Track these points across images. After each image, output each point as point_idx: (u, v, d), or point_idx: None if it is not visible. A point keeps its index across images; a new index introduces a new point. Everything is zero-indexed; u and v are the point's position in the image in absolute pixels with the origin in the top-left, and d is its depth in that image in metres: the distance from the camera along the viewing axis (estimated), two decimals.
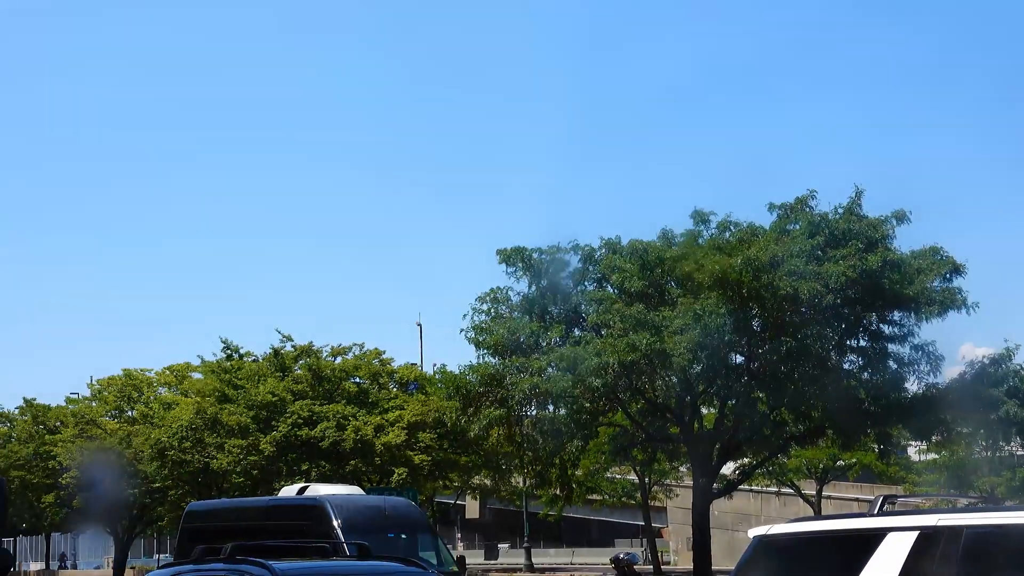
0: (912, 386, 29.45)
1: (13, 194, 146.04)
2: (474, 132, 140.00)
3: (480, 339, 29.79)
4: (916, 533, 8.42)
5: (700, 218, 29.94)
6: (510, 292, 30.89)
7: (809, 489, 53.81)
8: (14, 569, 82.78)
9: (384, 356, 43.70)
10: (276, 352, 43.07)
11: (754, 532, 9.64)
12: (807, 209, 28.80)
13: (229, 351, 45.07)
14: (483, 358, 30.21)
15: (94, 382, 53.84)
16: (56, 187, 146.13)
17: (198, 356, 46.95)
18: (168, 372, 51.08)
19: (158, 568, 12.79)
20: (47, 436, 51.34)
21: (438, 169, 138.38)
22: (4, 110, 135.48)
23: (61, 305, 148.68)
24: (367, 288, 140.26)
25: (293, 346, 43.04)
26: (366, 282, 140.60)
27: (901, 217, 27.90)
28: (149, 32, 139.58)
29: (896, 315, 28.57)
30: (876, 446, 34.20)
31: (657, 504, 59.24)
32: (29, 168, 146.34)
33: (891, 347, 28.93)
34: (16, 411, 54.99)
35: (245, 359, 44.64)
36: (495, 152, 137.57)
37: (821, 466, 51.42)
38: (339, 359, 42.93)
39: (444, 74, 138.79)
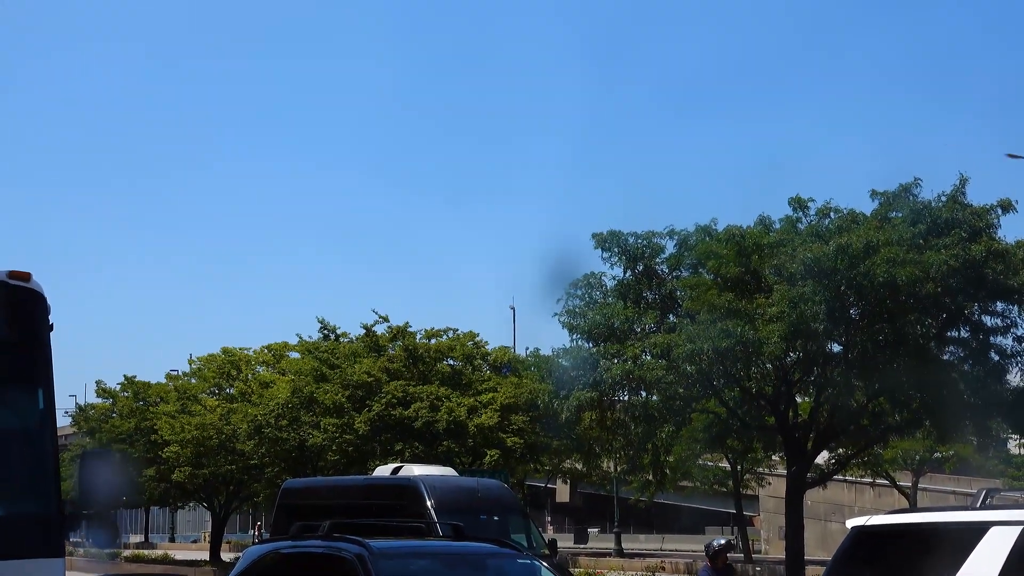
0: (1015, 379, 28.86)
1: (111, 172, 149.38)
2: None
3: (574, 324, 29.75)
4: (1021, 528, 8.26)
5: (799, 204, 29.57)
6: (604, 278, 30.82)
7: (904, 480, 53.01)
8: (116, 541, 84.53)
9: (478, 339, 43.83)
10: (369, 331, 43.36)
11: (852, 523, 9.52)
12: (910, 197, 28.30)
13: (326, 331, 45.47)
14: (577, 343, 30.19)
15: (194, 359, 54.85)
16: (155, 164, 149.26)
17: (296, 335, 47.46)
18: (266, 351, 51.75)
19: (256, 543, 13.01)
20: (149, 410, 52.38)
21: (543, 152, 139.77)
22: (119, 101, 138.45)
23: (162, 285, 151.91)
24: (460, 273, 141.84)
25: (388, 327, 43.36)
26: (459, 267, 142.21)
27: (1007, 207, 27.27)
28: (168, 34, 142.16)
29: (999, 306, 28.00)
30: (975, 439, 33.55)
31: (749, 492, 58.82)
32: (128, 151, 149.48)
33: (993, 339, 28.36)
34: (118, 387, 56.19)
35: (341, 339, 45.03)
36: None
37: (917, 457, 50.60)
38: (433, 341, 43.16)
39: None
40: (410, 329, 43.10)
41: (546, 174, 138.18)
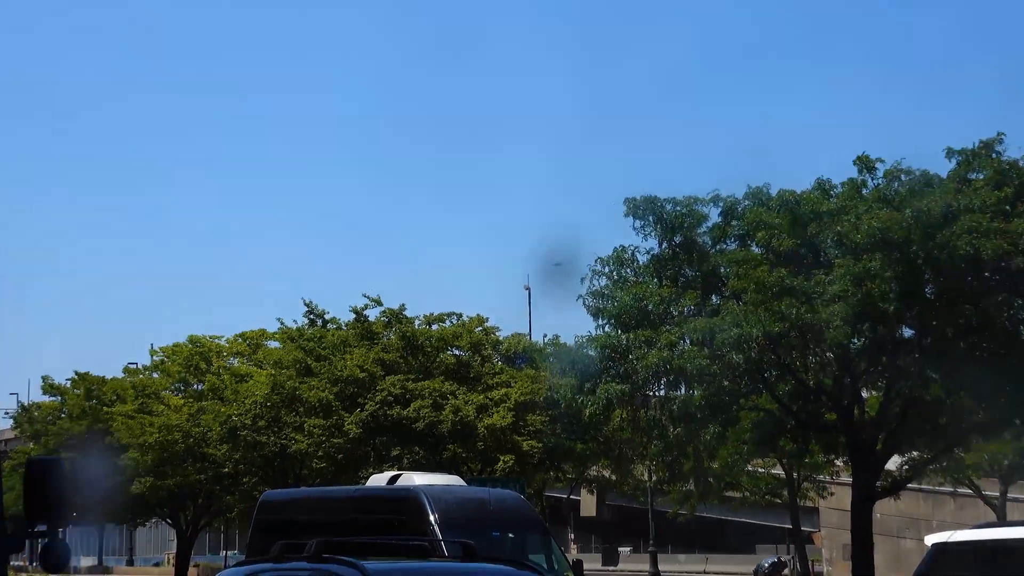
0: None
1: (64, 152, 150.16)
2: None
3: (600, 307, 29.75)
4: None
5: (865, 165, 29.50)
6: (636, 252, 30.80)
7: (991, 489, 52.92)
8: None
9: (488, 325, 43.84)
10: (360, 316, 43.38)
11: (932, 539, 9.54)
12: (993, 155, 28.21)
13: (313, 316, 45.52)
14: (603, 329, 30.19)
15: (156, 350, 54.98)
16: (108, 131, 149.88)
17: (278, 320, 47.41)
18: (241, 340, 51.85)
19: (231, 567, 13.03)
20: (104, 410, 52.50)
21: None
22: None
23: (118, 267, 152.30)
24: (462, 261, 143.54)
25: (382, 312, 43.40)
26: (460, 255, 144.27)
27: None
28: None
29: None
30: None
31: (807, 504, 58.80)
32: (86, 130, 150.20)
33: None
34: (68, 383, 56.35)
35: (329, 326, 45.08)
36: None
37: (1007, 463, 50.49)
38: (435, 328, 43.16)
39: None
40: (406, 314, 43.14)
41: (543, 162, 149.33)
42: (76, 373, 55.90)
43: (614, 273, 30.54)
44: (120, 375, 56.69)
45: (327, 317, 45.41)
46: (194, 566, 66.34)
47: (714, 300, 30.13)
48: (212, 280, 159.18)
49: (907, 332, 29.01)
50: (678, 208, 29.99)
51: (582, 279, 30.81)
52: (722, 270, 30.13)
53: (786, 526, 61.84)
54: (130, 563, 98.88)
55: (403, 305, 43.13)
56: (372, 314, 43.59)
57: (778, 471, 51.92)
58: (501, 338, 44.41)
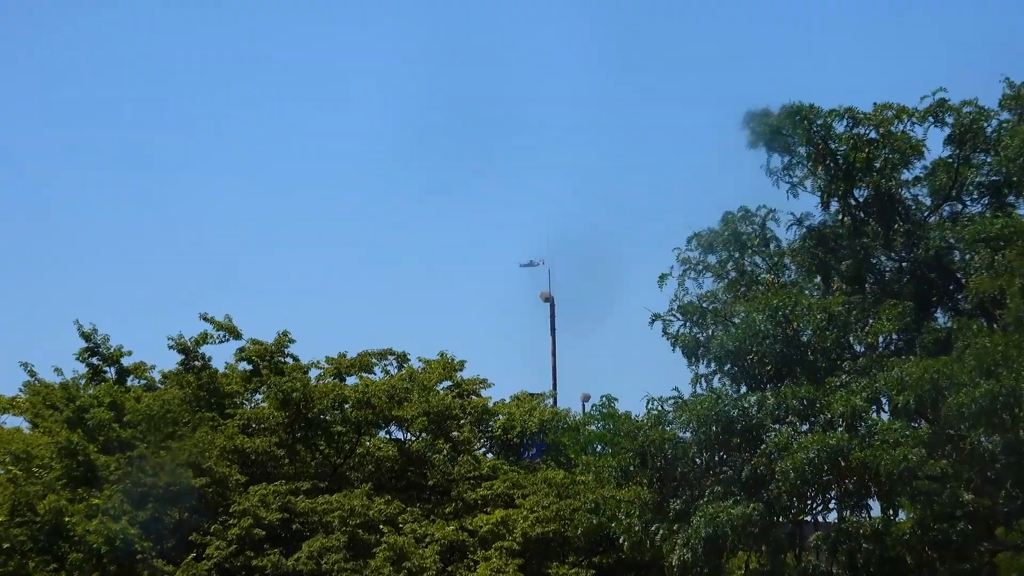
0: None
1: None
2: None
3: (700, 339, 30.34)
4: None
5: None
6: (772, 219, 31.50)
7: None
8: None
9: (464, 377, 44.20)
10: (190, 355, 44.10)
11: None
12: None
13: (98, 361, 45.98)
14: (705, 383, 30.88)
15: None
16: None
17: (23, 368, 47.33)
18: None
19: None
20: None
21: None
22: None
23: None
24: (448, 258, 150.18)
25: (239, 351, 43.97)
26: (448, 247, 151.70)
27: None
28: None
29: None
30: None
31: None
32: None
33: None
34: None
35: (134, 380, 45.64)
36: None
37: None
38: (353, 382, 43.58)
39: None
40: (292, 355, 43.76)
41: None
42: None
43: (728, 266, 31.11)
44: None
45: (127, 363, 45.82)
46: None
47: (940, 320, 30.75)
48: None
49: None
50: (861, 129, 30.28)
51: (661, 277, 31.53)
52: (956, 257, 30.66)
53: None
54: None
55: (284, 335, 43.54)
56: (220, 356, 44.34)
57: None
58: (492, 404, 44.87)
